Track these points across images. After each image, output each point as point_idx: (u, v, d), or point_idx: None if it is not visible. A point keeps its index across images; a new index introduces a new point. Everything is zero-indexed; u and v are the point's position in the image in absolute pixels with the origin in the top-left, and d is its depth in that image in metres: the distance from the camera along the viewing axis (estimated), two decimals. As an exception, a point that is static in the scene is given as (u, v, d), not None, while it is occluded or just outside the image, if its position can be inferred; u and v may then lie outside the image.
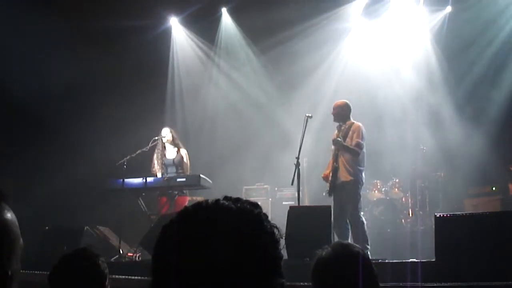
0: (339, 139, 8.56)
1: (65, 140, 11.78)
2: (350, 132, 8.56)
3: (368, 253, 8.00)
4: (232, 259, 1.34)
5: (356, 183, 8.46)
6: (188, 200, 10.28)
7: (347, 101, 8.91)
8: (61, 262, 3.19)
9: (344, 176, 8.51)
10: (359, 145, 8.45)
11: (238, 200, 1.47)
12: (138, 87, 12.78)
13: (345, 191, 8.51)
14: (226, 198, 1.48)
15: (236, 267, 1.34)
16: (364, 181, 8.72)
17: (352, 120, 8.74)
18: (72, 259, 3.20)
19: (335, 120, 8.83)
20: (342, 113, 8.74)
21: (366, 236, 8.32)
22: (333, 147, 8.77)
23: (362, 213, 8.55)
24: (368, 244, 8.24)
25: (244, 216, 1.41)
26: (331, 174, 8.64)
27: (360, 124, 8.65)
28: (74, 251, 3.27)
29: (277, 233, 1.46)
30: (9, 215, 1.85)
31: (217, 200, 1.45)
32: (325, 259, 2.84)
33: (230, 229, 1.37)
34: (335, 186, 8.59)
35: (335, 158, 8.62)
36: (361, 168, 8.55)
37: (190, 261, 1.34)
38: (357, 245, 2.99)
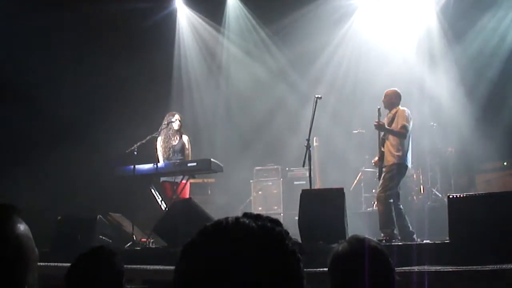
0: (381, 122, 8.79)
1: (75, 129, 11.77)
2: (396, 117, 8.82)
3: (395, 232, 8.32)
4: (255, 280, 1.32)
5: (398, 167, 8.67)
6: (189, 184, 10.28)
7: (397, 89, 9.16)
8: (77, 262, 3.19)
9: (387, 160, 8.75)
10: (404, 127, 8.66)
11: (258, 217, 1.44)
12: (145, 72, 12.73)
13: (386, 173, 8.73)
14: (245, 215, 1.45)
15: None
16: (410, 164, 8.97)
17: (399, 106, 8.99)
18: (89, 259, 3.19)
19: (385, 107, 9.11)
20: (390, 101, 9.02)
21: (392, 219, 8.44)
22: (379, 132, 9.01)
23: (391, 199, 8.58)
24: (388, 228, 8.36)
25: (265, 236, 1.39)
26: (379, 159, 8.93)
27: (405, 108, 8.92)
28: (90, 251, 3.26)
29: (298, 250, 1.43)
30: (22, 228, 1.85)
31: (237, 219, 1.42)
32: (342, 254, 2.83)
33: (252, 250, 1.35)
34: (381, 170, 8.86)
35: (382, 143, 8.89)
36: (407, 152, 8.74)
37: (212, 284, 1.33)
38: (373, 239, 2.96)
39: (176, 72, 14.23)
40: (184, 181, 9.86)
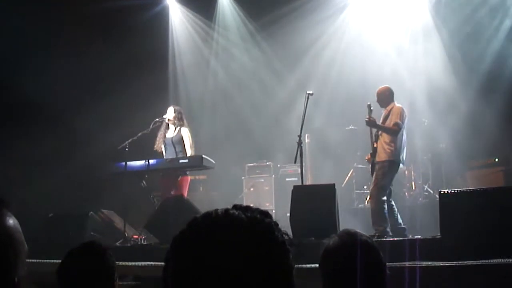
0: (372, 119, 8.77)
1: (66, 126, 11.72)
2: (390, 115, 8.81)
3: (388, 229, 8.34)
4: (244, 271, 1.32)
5: (391, 164, 8.67)
6: (189, 179, 10.25)
7: (388, 86, 9.14)
8: (68, 257, 3.17)
9: (380, 156, 8.73)
10: (397, 125, 8.65)
11: (248, 209, 1.45)
12: (138, 69, 12.67)
13: (378, 170, 8.71)
14: (235, 207, 1.46)
15: (248, 279, 1.32)
16: (403, 161, 8.91)
17: (394, 102, 8.97)
18: (80, 253, 3.18)
19: (380, 106, 9.09)
20: (383, 98, 9.02)
21: (384, 216, 8.45)
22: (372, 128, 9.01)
23: (384, 196, 8.59)
24: (380, 226, 8.36)
25: (255, 227, 1.39)
26: (371, 155, 8.93)
27: (400, 106, 8.89)
28: (81, 246, 3.25)
29: (288, 242, 1.43)
30: (11, 221, 1.84)
31: (227, 210, 1.43)
32: (332, 248, 2.83)
33: (242, 241, 1.35)
34: (374, 166, 8.85)
35: (376, 139, 8.88)
36: (400, 148, 8.71)
37: (202, 275, 1.33)
38: (364, 233, 2.96)
39: (170, 68, 14.23)
40: (185, 176, 9.91)
